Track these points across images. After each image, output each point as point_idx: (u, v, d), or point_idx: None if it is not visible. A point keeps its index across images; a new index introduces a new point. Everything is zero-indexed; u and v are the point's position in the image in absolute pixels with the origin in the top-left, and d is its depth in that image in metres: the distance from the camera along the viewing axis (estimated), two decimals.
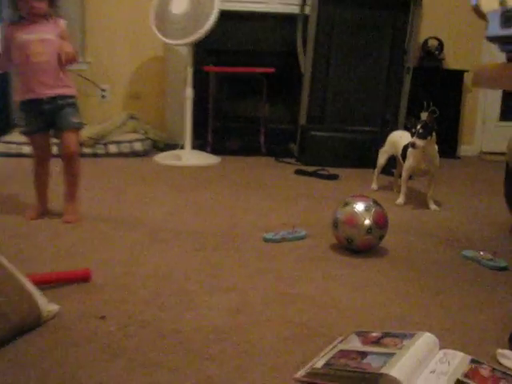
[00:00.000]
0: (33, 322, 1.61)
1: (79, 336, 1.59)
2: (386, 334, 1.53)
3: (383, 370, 1.29)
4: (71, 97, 2.68)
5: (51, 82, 2.61)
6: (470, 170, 4.63)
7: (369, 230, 2.32)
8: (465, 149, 5.31)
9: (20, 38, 2.59)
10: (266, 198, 3.32)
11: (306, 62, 4.59)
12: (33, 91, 2.60)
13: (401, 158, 3.40)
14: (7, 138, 4.44)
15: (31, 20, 2.61)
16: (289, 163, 4.48)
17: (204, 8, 4.20)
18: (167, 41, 4.25)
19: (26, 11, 2.59)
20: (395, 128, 4.62)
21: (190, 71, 4.38)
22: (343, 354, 1.44)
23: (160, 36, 4.24)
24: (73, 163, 2.72)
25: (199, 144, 4.71)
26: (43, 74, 2.60)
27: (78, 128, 2.72)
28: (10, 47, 2.61)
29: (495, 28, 0.75)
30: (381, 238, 2.39)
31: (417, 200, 3.41)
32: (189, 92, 4.39)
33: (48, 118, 2.65)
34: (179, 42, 4.24)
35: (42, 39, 2.59)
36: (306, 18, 4.66)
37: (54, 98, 2.62)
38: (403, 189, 3.33)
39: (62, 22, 2.71)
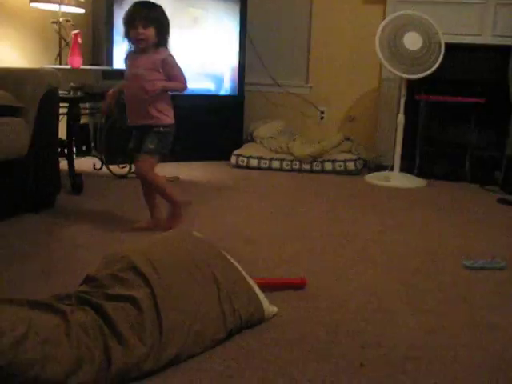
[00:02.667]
0: (257, 319, 1.78)
1: (292, 336, 1.73)
2: None
3: None
4: (157, 126, 2.70)
5: (139, 113, 2.69)
6: None
7: None
8: None
9: (126, 70, 2.76)
10: (467, 225, 3.23)
11: None
12: (129, 118, 2.75)
13: None
14: (238, 151, 4.78)
15: (140, 50, 2.67)
16: (493, 191, 4.31)
17: (434, 45, 4.29)
18: (398, 73, 4.27)
19: (133, 40, 2.65)
20: None
21: (402, 100, 4.40)
22: None
23: (390, 68, 4.28)
24: (144, 182, 2.79)
25: (407, 166, 4.69)
26: (132, 105, 2.71)
27: (149, 153, 2.69)
28: None
29: None
30: None
31: None
32: (400, 118, 4.42)
33: (138, 141, 2.76)
34: (411, 76, 4.28)
35: (135, 74, 2.67)
36: None
37: (142, 126, 2.72)
38: None
39: (166, 52, 2.69)
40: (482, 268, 2.46)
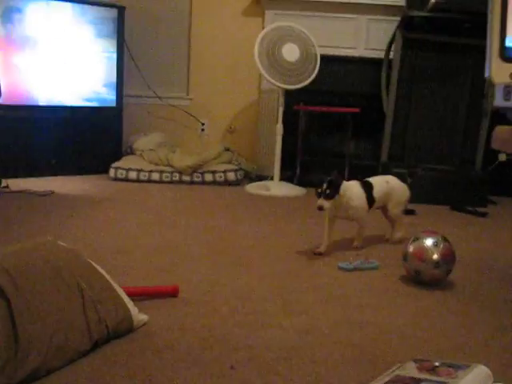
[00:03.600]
0: (125, 328, 1.71)
1: (163, 344, 1.67)
2: (442, 364, 1.52)
3: None
4: None
5: None
6: None
7: (436, 264, 2.30)
8: None
9: None
10: (344, 229, 3.31)
11: (388, 104, 4.59)
12: None
13: None
14: (117, 164, 4.66)
15: None
16: None
17: (311, 56, 4.41)
18: (277, 83, 4.33)
19: None
20: (473, 168, 4.54)
21: (281, 110, 4.48)
22: (399, 378, 1.45)
23: (269, 78, 4.33)
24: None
25: (287, 176, 4.77)
26: None
27: None
28: None
29: (499, 99, 0.78)
30: (448, 272, 2.36)
31: (488, 236, 3.33)
32: (279, 128, 4.49)
33: None
34: (289, 86, 4.35)
35: None
36: (390, 62, 4.67)
37: None
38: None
39: None
40: (355, 269, 2.53)
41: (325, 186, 2.64)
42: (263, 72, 4.32)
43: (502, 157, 4.73)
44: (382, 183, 3.04)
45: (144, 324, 1.79)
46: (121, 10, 4.81)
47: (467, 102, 4.54)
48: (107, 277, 1.80)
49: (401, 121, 4.59)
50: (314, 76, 4.39)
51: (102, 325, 1.63)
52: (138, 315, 1.77)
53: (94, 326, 1.61)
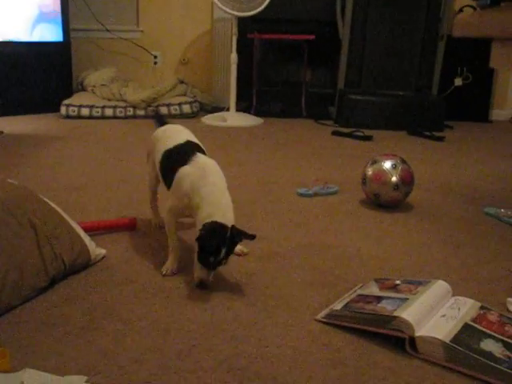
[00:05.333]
0: (82, 263, 1.67)
1: (122, 277, 1.64)
2: (403, 281, 1.53)
3: (396, 313, 1.30)
4: None
5: None
6: (500, 134, 4.51)
7: (395, 186, 2.31)
8: (497, 113, 5.16)
9: None
10: (303, 157, 3.31)
11: (344, 30, 4.51)
12: None
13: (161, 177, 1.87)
14: (67, 101, 4.51)
15: None
16: (327, 125, 4.45)
17: None
18: (229, 11, 4.20)
19: None
20: (429, 93, 4.54)
21: (234, 39, 4.36)
22: (361, 298, 1.46)
23: (221, 6, 4.19)
24: None
25: (244, 106, 4.71)
26: None
27: None
28: None
29: None
30: (407, 194, 2.38)
31: (445, 159, 3.36)
32: (233, 57, 4.39)
33: None
34: (242, 13, 4.22)
35: None
36: None
37: None
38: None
39: None
40: (315, 194, 2.52)
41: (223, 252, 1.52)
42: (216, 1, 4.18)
43: (458, 81, 4.74)
44: None
45: (102, 258, 1.75)
46: None
47: (423, 27, 4.49)
48: (62, 212, 1.74)
49: (357, 47, 4.53)
50: (266, 2, 4.27)
51: (59, 260, 1.59)
52: (96, 249, 1.73)
53: (50, 262, 1.56)
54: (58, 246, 1.61)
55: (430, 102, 4.45)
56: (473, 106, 4.93)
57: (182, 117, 4.53)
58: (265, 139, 3.84)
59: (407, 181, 2.35)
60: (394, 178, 2.31)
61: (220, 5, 4.19)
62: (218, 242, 1.50)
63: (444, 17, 4.48)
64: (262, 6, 4.27)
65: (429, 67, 4.57)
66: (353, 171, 2.99)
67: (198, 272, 1.55)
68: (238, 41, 4.40)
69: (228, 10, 4.20)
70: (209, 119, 4.43)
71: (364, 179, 2.39)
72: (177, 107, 4.54)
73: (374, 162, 2.38)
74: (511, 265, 1.83)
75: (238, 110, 4.51)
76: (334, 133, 4.09)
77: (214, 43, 5.04)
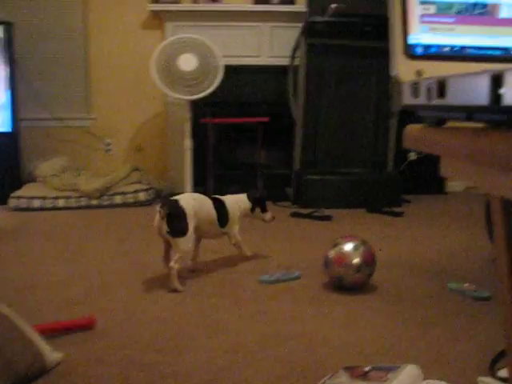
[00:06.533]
0: (38, 370, 1.62)
1: (82, 382, 1.60)
2: (373, 368, 1.54)
3: None
4: None
5: None
6: (456, 205, 4.65)
7: (358, 268, 2.34)
8: (452, 185, 5.31)
9: None
10: (263, 241, 3.34)
11: (297, 110, 4.66)
12: None
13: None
14: (17, 193, 4.48)
15: None
16: (285, 206, 4.52)
17: (211, 65, 4.36)
18: (176, 95, 4.31)
19: None
20: (385, 169, 4.69)
21: (188, 124, 4.45)
22: None
23: (167, 91, 4.30)
24: None
25: (202, 192, 4.74)
26: None
27: None
28: None
29: (408, 97, 0.80)
30: (370, 275, 2.41)
31: (405, 234, 3.43)
32: (187, 143, 4.47)
33: None
34: (189, 97, 4.33)
35: None
36: (295, 68, 4.75)
37: None
38: None
39: None
40: (277, 281, 2.53)
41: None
42: (159, 84, 4.29)
43: (412, 156, 4.92)
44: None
45: (59, 363, 1.70)
46: (8, 27, 4.64)
47: (374, 104, 4.68)
48: (12, 316, 1.70)
49: (311, 127, 4.67)
50: (215, 85, 4.35)
51: (10, 370, 1.54)
52: (52, 354, 1.69)
53: (1, 372, 1.51)
54: (9, 353, 1.57)
55: (386, 178, 4.59)
56: (428, 178, 5.09)
57: (137, 205, 4.54)
58: None
59: (369, 261, 2.39)
60: (355, 260, 2.35)
61: (166, 89, 4.29)
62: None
63: (393, 93, 4.68)
64: (211, 89, 4.33)
65: (383, 144, 4.73)
66: (314, 254, 3.02)
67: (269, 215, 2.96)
68: (192, 125, 4.49)
69: (175, 94, 4.31)
70: None
71: (326, 262, 2.42)
72: (132, 195, 4.56)
73: (335, 244, 2.42)
74: (479, 341, 1.86)
75: None
76: (293, 214, 4.15)
77: (167, 128, 5.13)
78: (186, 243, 2.48)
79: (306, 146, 4.70)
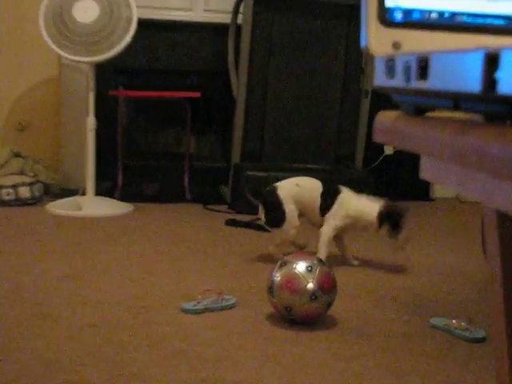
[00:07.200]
0: None
1: None
2: None
3: None
4: None
5: None
6: (444, 216, 4.76)
7: (312, 295, 2.37)
8: (440, 189, 5.41)
9: None
10: (188, 258, 3.34)
11: (239, 85, 4.66)
12: None
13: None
14: None
15: None
16: (219, 211, 4.53)
17: (119, 16, 4.28)
18: (70, 57, 4.25)
19: None
20: (352, 165, 4.75)
21: (91, 96, 4.41)
22: None
23: (58, 50, 4.24)
24: None
25: (106, 188, 4.72)
26: None
27: None
28: None
29: (381, 76, 0.82)
30: (328, 305, 2.44)
31: (376, 254, 3.49)
32: (90, 122, 4.42)
33: None
34: (89, 59, 4.26)
35: None
36: (238, 28, 4.75)
37: None
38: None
39: None
40: (206, 310, 2.54)
41: None
42: (50, 42, 4.21)
43: (389, 149, 5.00)
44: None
45: None
46: None
47: (342, 80, 4.73)
48: None
49: (256, 107, 4.69)
50: (125, 43, 4.24)
51: None
52: None
53: None
54: None
55: (353, 178, 4.63)
56: (410, 180, 5.18)
57: (17, 203, 4.47)
58: (135, 233, 3.86)
59: (328, 287, 2.42)
60: (310, 285, 2.38)
61: (57, 48, 4.21)
62: None
63: (367, 67, 4.74)
64: (117, 48, 4.22)
65: (351, 132, 4.79)
66: (256, 276, 3.04)
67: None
68: (98, 99, 4.45)
69: (69, 55, 4.23)
70: (57, 207, 4.40)
71: (271, 287, 2.44)
72: (11, 190, 4.49)
73: (284, 263, 2.45)
74: None
75: (97, 193, 4.52)
76: (229, 222, 4.16)
77: (62, 101, 5.06)
78: (283, 234, 3.20)
79: (248, 133, 4.71)
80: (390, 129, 0.82)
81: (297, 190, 3.26)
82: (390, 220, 3.14)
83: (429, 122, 0.74)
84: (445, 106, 0.73)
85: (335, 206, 3.23)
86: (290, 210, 3.19)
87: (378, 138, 0.87)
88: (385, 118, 0.86)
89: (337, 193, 3.26)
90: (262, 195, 3.22)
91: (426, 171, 0.82)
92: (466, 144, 0.63)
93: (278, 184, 3.28)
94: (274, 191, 3.20)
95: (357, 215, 3.22)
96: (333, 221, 3.22)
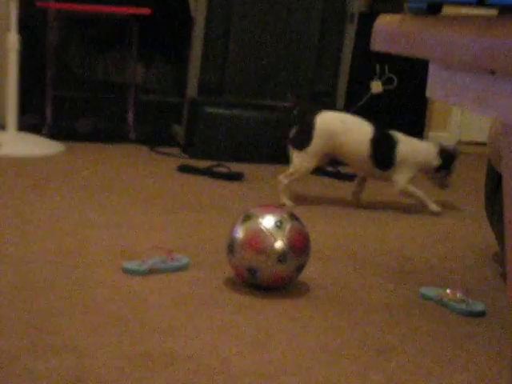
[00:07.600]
0: None
1: None
2: None
3: None
4: None
5: None
6: None
7: (281, 256, 2.36)
8: (436, 136, 5.42)
9: None
10: (131, 209, 3.32)
11: (197, 2, 4.61)
12: None
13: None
14: None
15: None
16: (170, 155, 4.50)
17: None
18: None
19: None
20: (331, 103, 4.73)
21: (13, 8, 4.32)
22: None
23: None
24: None
25: (32, 123, 4.67)
26: None
27: None
28: None
29: None
30: (299, 268, 2.44)
31: (359, 212, 3.49)
32: (12, 40, 4.34)
33: None
34: None
35: None
36: None
37: None
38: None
39: None
40: (152, 271, 2.53)
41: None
42: None
43: (376, 86, 4.99)
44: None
45: None
46: None
47: (322, 2, 4.69)
48: None
49: (218, 30, 4.64)
50: None
51: None
52: None
53: None
54: None
55: None
56: (399, 124, 5.17)
57: None
58: (67, 178, 3.82)
59: (299, 247, 2.41)
60: (278, 244, 2.37)
61: None
62: None
63: None
64: None
65: (332, 65, 4.77)
66: (213, 232, 3.03)
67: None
68: (22, 11, 4.37)
69: None
70: None
71: (231, 245, 2.43)
72: None
73: (248, 217, 2.43)
74: (465, 378, 1.92)
75: (21, 128, 4.46)
76: (183, 168, 4.14)
77: None
78: (301, 159, 3.52)
79: (208, 61, 4.67)
80: (395, 33, 0.79)
81: (339, 126, 3.53)
82: (447, 162, 3.52)
83: (444, 21, 0.71)
84: (465, 0, 0.70)
85: (398, 159, 3.48)
86: (316, 143, 3.48)
87: (377, 45, 0.84)
88: (387, 21, 0.82)
89: (393, 142, 3.52)
90: (302, 111, 3.58)
91: (435, 87, 0.78)
92: (492, 44, 0.60)
93: (323, 112, 3.59)
94: (314, 116, 3.52)
95: (421, 160, 3.53)
96: (406, 174, 3.50)
